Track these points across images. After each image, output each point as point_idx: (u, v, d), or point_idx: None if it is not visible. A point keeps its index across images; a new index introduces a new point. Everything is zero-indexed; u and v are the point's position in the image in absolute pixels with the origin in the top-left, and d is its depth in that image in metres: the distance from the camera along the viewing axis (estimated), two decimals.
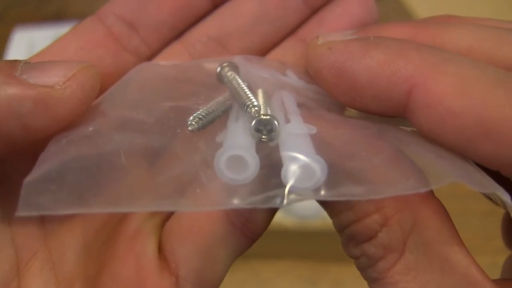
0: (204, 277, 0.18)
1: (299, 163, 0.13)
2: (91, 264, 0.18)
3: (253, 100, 0.15)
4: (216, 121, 0.16)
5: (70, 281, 0.17)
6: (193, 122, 0.16)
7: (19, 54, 0.57)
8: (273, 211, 0.19)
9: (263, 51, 0.21)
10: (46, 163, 0.14)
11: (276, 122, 0.14)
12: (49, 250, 0.18)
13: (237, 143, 0.14)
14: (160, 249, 0.18)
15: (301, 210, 0.45)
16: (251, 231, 0.18)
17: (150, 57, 0.21)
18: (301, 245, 0.48)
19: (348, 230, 0.15)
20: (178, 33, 0.21)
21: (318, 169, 0.13)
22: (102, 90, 0.18)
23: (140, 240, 0.18)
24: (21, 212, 0.13)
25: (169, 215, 0.19)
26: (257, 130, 0.15)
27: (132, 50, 0.20)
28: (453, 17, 0.17)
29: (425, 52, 0.14)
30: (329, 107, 0.17)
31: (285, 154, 0.14)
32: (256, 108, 0.15)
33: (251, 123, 0.15)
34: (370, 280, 0.15)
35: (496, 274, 0.18)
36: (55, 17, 0.68)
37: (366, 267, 0.15)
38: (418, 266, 0.13)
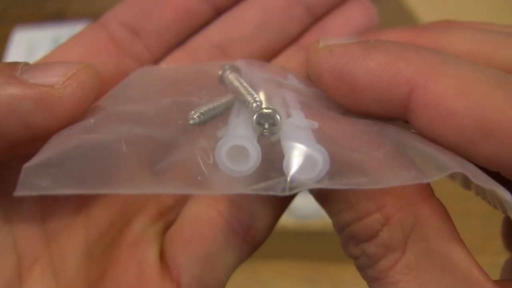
0: (206, 284, 0.18)
1: (301, 153, 0.13)
2: (92, 270, 0.18)
3: (255, 96, 0.15)
4: (217, 118, 0.16)
5: (71, 286, 0.17)
6: (195, 116, 0.16)
7: (19, 54, 0.57)
8: (276, 218, 0.19)
9: (266, 59, 0.21)
10: (47, 152, 0.14)
11: (278, 116, 0.14)
12: (50, 255, 0.18)
13: (239, 134, 0.14)
14: (162, 255, 0.18)
15: (301, 210, 0.45)
16: (253, 238, 0.18)
17: (153, 63, 0.21)
18: (301, 245, 0.48)
19: (348, 230, 0.15)
20: (181, 40, 0.21)
21: (321, 159, 0.13)
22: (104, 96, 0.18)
23: (142, 246, 0.18)
24: (19, 192, 0.13)
25: (171, 222, 0.19)
26: (259, 123, 0.14)
27: (134, 56, 0.20)
28: (453, 22, 0.18)
29: (425, 54, 0.14)
30: (330, 109, 0.17)
31: (286, 144, 0.13)
32: (258, 103, 0.15)
33: (253, 117, 0.14)
34: (370, 280, 0.15)
35: (497, 274, 0.18)
36: (55, 17, 0.68)
37: (366, 267, 0.15)
38: (419, 266, 0.13)
